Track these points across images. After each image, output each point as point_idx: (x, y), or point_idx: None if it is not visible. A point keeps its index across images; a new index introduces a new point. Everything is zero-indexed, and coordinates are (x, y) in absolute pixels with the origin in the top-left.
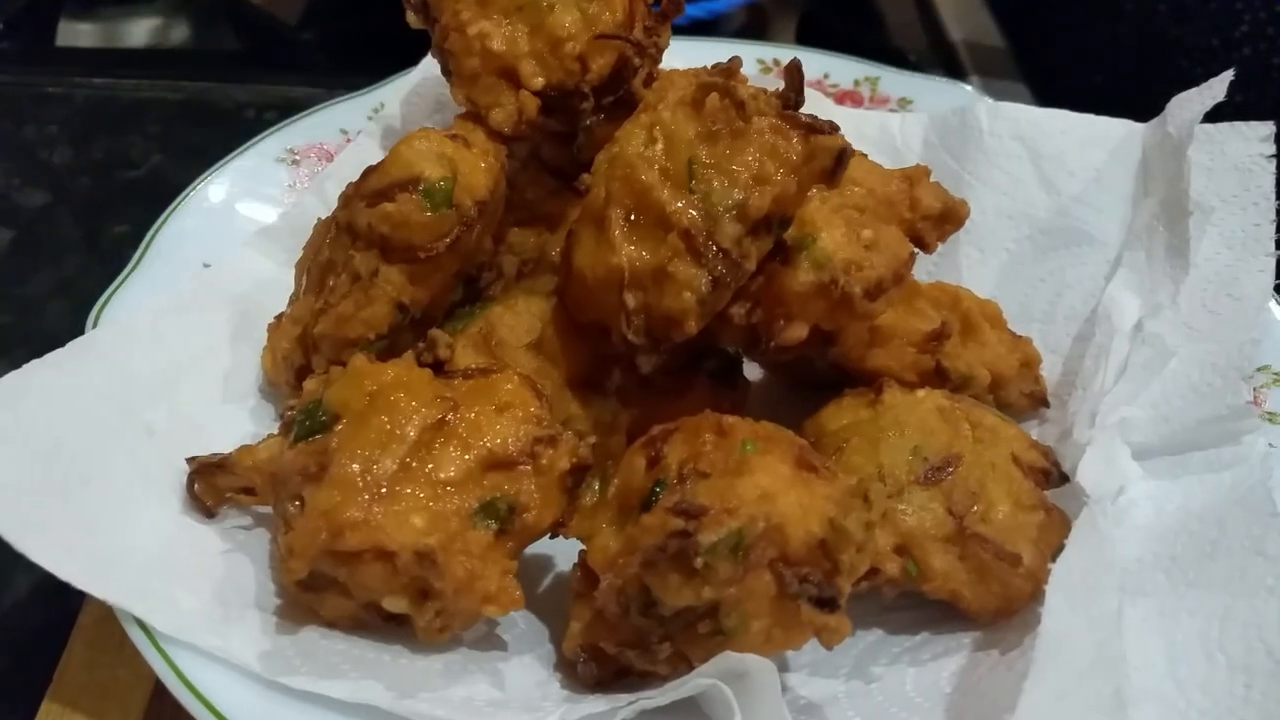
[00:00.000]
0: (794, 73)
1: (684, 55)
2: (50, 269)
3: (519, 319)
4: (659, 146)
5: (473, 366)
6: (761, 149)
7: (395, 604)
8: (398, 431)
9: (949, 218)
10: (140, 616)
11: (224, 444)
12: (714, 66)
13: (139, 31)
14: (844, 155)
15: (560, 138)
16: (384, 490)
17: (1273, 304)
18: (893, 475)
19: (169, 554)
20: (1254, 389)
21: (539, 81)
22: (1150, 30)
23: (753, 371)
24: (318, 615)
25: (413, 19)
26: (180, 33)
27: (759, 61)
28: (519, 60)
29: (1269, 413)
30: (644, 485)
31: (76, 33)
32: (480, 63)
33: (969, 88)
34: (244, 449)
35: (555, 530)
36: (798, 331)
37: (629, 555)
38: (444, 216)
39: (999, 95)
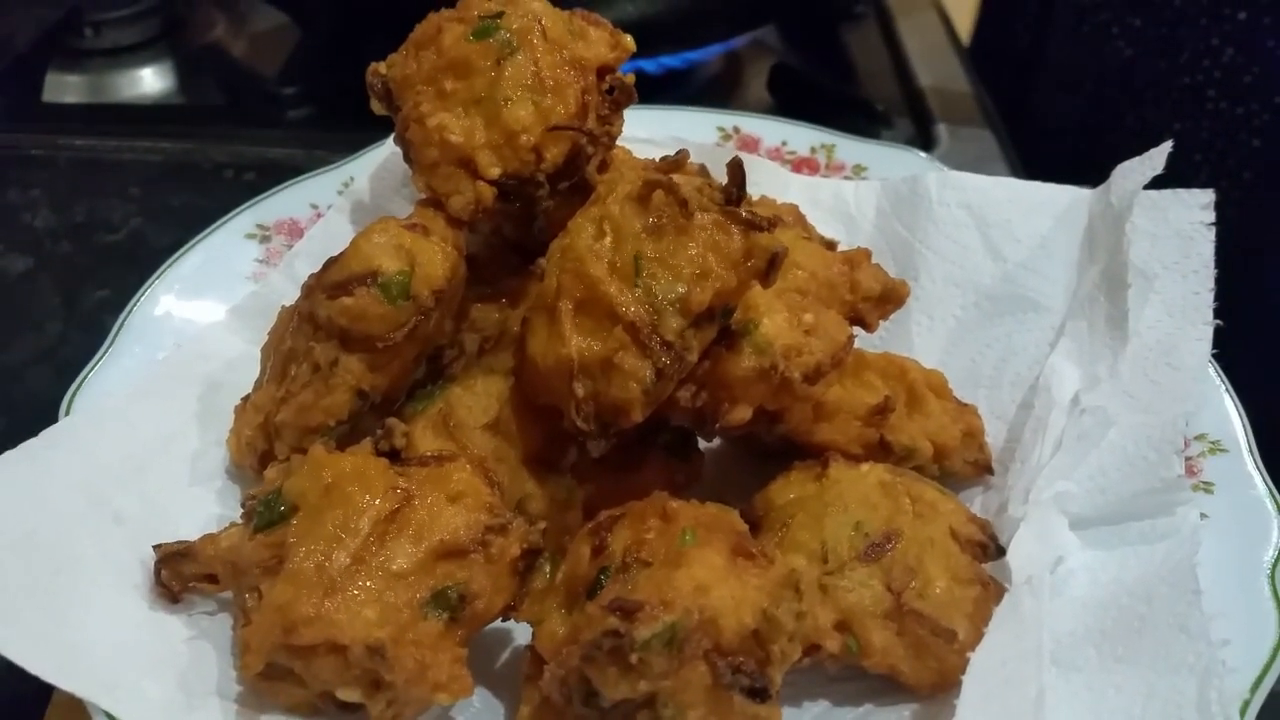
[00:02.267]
0: (735, 169)
1: (645, 123)
2: (32, 335)
3: (477, 400)
4: (608, 240)
5: (429, 454)
6: (704, 244)
7: (349, 694)
8: (351, 524)
9: (889, 298)
10: (107, 709)
11: (191, 528)
12: (661, 160)
13: (126, 83)
14: (776, 259)
15: (521, 217)
16: (337, 584)
17: (1212, 372)
18: (835, 551)
19: (136, 642)
20: (1190, 458)
21: (495, 171)
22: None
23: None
24: (276, 703)
25: (377, 106)
26: (167, 83)
27: (719, 129)
28: (476, 151)
29: (1204, 482)
30: (589, 573)
31: (64, 85)
32: (439, 153)
33: (923, 155)
34: (207, 537)
35: (506, 615)
36: (742, 414)
37: (571, 645)
38: (401, 308)
39: (965, 141)
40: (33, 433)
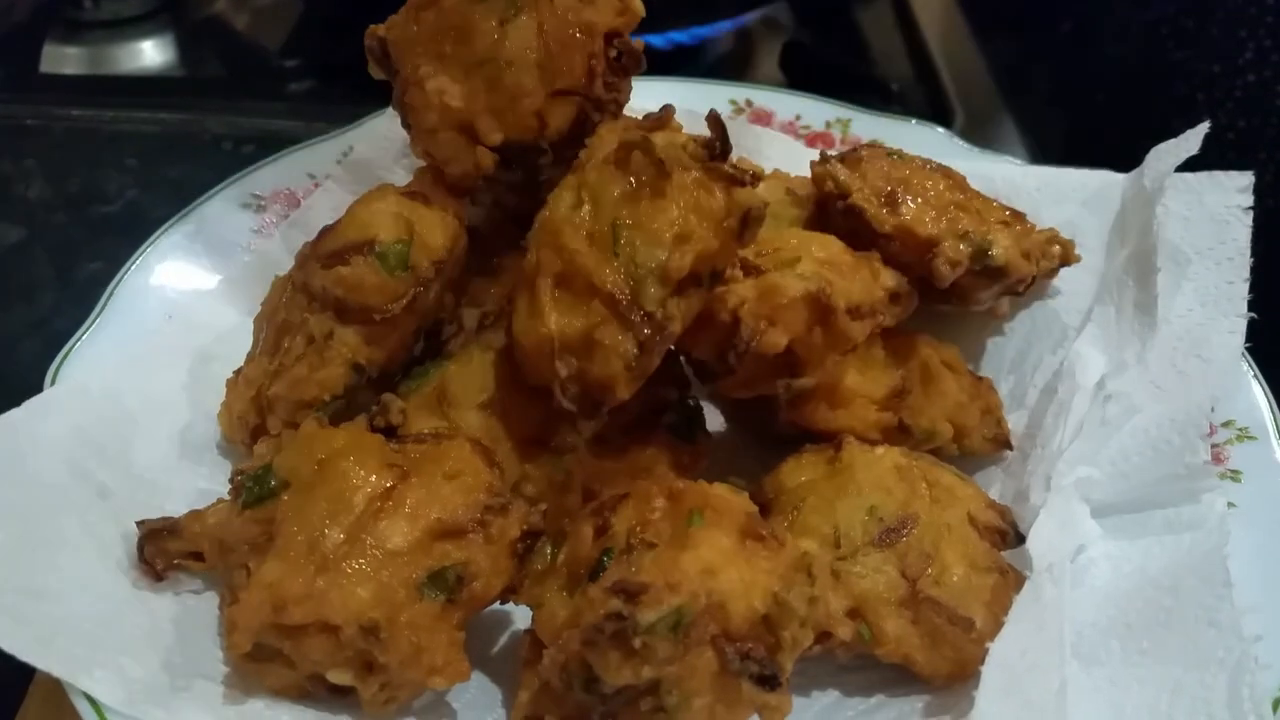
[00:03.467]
0: (715, 122)
1: (655, 95)
2: (23, 307)
3: (472, 378)
4: (586, 208)
5: (425, 431)
6: (684, 205)
7: (340, 676)
8: (346, 501)
9: (901, 299)
10: (86, 690)
11: (179, 503)
12: (645, 117)
13: (126, 55)
14: (750, 215)
15: (523, 187)
16: (330, 562)
17: (1245, 355)
18: (848, 536)
19: (118, 621)
20: (1216, 445)
21: (497, 137)
22: (1151, 54)
23: (714, 422)
24: (264, 685)
25: (374, 70)
26: (168, 56)
27: (731, 102)
28: (477, 116)
29: (1231, 470)
30: (592, 554)
31: (63, 57)
32: (438, 118)
33: (941, 130)
34: (193, 514)
35: (505, 597)
36: (777, 338)
37: (572, 629)
38: (400, 279)
39: (981, 125)
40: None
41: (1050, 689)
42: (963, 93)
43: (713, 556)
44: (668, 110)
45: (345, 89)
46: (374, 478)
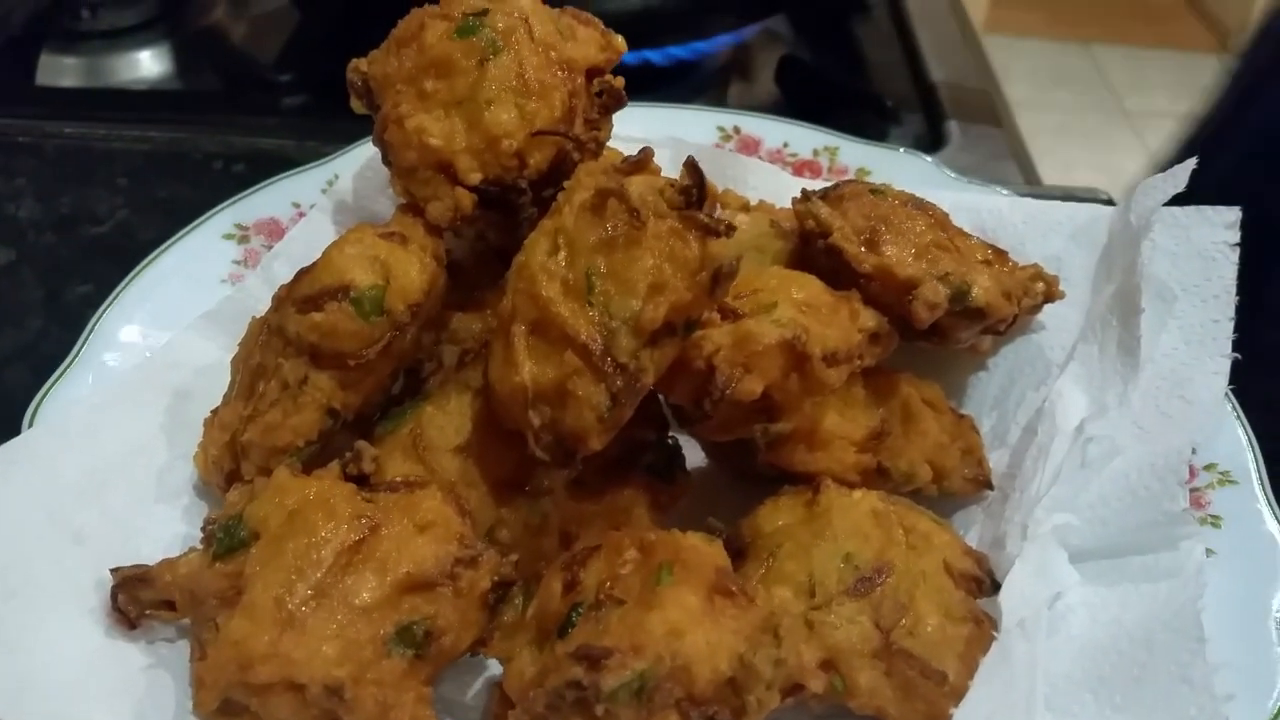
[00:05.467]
0: (692, 170)
1: (643, 122)
2: (12, 330)
3: (449, 419)
4: (562, 255)
5: (398, 479)
6: (659, 254)
7: None
8: (314, 555)
9: (881, 340)
10: None
11: (155, 547)
12: (623, 161)
13: (123, 66)
14: (721, 272)
15: (504, 224)
16: (296, 618)
17: (1230, 397)
18: (823, 585)
19: (90, 671)
20: (1197, 489)
21: (476, 177)
22: None
23: (696, 458)
24: None
25: (356, 105)
26: (164, 66)
27: (719, 129)
28: (456, 156)
29: (1212, 516)
30: (560, 609)
31: (61, 67)
32: (418, 156)
33: (929, 160)
34: (165, 563)
35: (475, 650)
36: (753, 385)
37: (538, 689)
38: (375, 324)
39: (976, 139)
40: (6, 434)
41: None
42: (957, 109)
43: (679, 617)
44: (646, 153)
45: (339, 105)
46: (343, 529)
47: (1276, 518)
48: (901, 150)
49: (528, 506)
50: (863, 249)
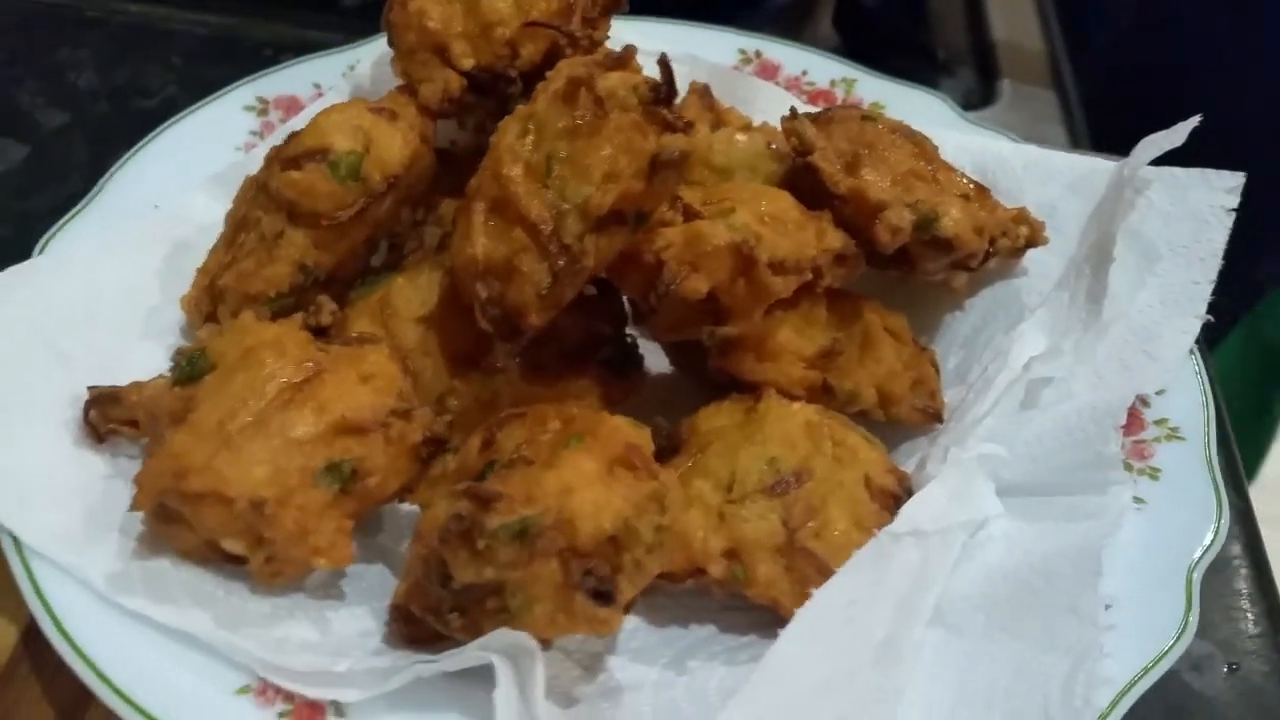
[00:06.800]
0: (664, 67)
1: (662, 39)
2: (56, 187)
3: (417, 291)
4: (529, 139)
5: (354, 335)
6: (617, 145)
7: (233, 545)
8: (259, 388)
9: (846, 261)
10: (8, 527)
11: (132, 378)
12: (605, 56)
13: None
14: (656, 160)
15: (497, 113)
16: (233, 440)
17: (1193, 359)
18: (742, 482)
19: (54, 474)
20: (1143, 441)
21: (468, 62)
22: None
23: (661, 364)
24: (171, 546)
25: None
26: None
27: (740, 52)
28: (452, 40)
29: (1151, 467)
30: (477, 465)
31: None
32: (416, 37)
33: (946, 102)
34: (134, 384)
35: (402, 497)
36: (698, 284)
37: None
38: (348, 188)
39: (1026, 100)
40: None
41: (868, 643)
42: (1013, 68)
43: (573, 477)
44: (629, 50)
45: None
46: (290, 369)
47: (1214, 478)
48: (920, 89)
49: (480, 381)
50: (841, 171)
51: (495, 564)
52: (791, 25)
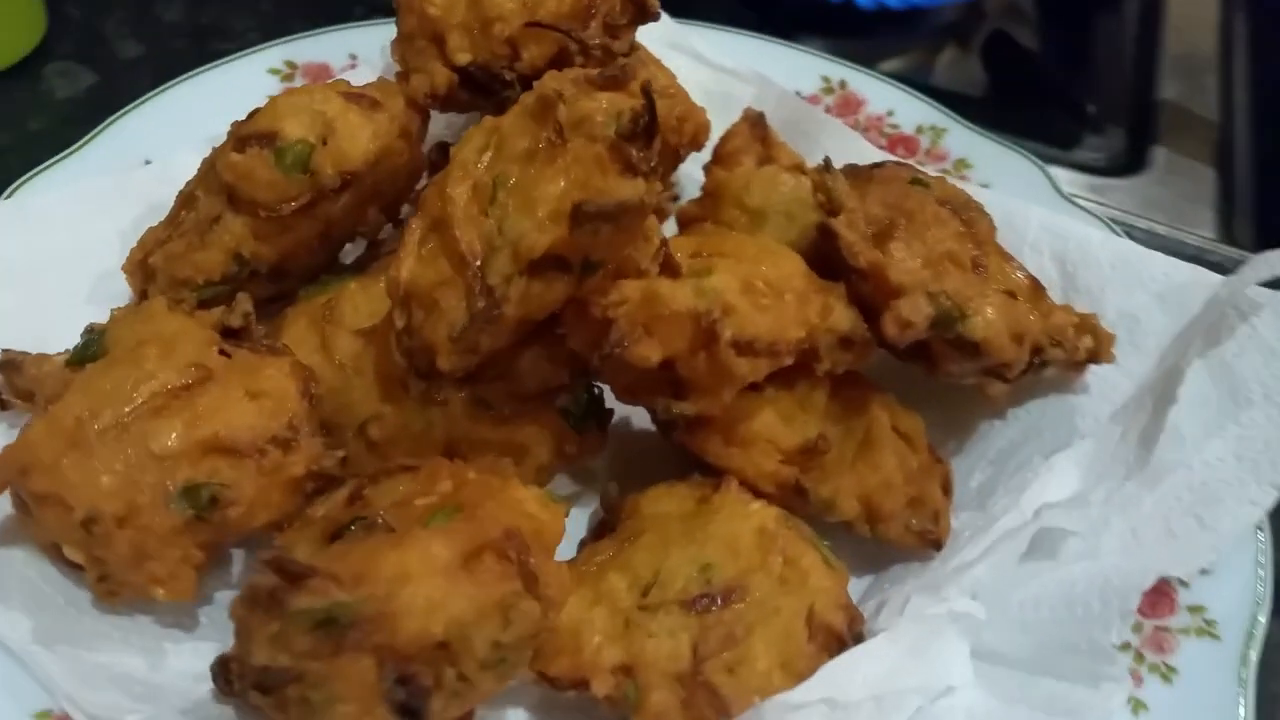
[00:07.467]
0: (645, 94)
1: (735, 51)
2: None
3: (368, 300)
4: (487, 155)
5: (263, 343)
6: (571, 180)
7: (72, 554)
8: (132, 388)
9: (854, 346)
10: None
11: (61, 344)
12: (599, 73)
13: None
14: (578, 211)
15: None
16: (88, 442)
17: (1261, 538)
18: (662, 586)
19: None
20: (1166, 629)
21: (463, 57)
22: None
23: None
24: (28, 535)
25: None
26: None
27: (823, 79)
28: (450, 30)
29: (1166, 665)
30: (342, 518)
31: None
32: (417, 22)
33: (1040, 167)
34: (39, 356)
35: (270, 534)
36: (648, 351)
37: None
38: (292, 180)
39: (1178, 174)
40: None
41: None
42: (1173, 136)
43: (416, 563)
44: (629, 68)
45: None
46: (171, 373)
47: (1243, 697)
48: (1018, 151)
49: (414, 410)
50: (865, 240)
51: (290, 651)
52: (939, 48)
